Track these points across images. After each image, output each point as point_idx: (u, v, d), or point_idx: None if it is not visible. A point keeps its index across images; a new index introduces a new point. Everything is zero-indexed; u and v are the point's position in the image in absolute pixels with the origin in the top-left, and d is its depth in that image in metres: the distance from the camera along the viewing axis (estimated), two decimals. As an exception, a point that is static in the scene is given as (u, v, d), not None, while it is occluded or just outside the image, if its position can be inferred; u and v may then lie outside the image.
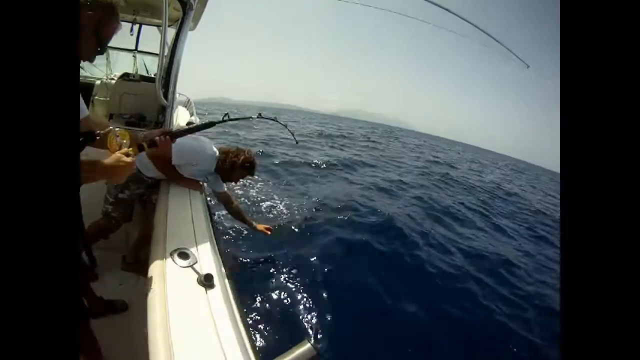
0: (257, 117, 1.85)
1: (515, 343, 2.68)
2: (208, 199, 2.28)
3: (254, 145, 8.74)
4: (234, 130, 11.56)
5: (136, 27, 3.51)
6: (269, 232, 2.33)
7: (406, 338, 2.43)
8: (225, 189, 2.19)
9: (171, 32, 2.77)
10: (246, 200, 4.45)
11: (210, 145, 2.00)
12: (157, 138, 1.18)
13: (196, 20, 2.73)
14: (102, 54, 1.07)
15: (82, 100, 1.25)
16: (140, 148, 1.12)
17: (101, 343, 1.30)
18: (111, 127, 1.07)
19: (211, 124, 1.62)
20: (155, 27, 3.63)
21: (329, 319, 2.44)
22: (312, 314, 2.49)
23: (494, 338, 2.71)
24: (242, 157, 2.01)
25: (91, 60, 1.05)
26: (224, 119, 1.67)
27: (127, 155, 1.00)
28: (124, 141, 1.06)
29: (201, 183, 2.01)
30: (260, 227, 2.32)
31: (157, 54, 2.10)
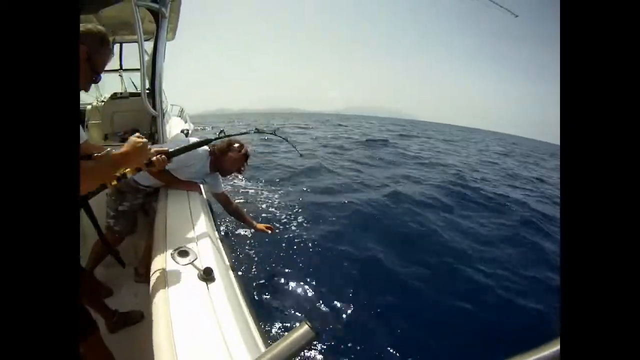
0: (255, 132, 1.74)
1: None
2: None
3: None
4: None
5: (117, 46, 3.49)
6: (270, 232, 2.29)
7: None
8: (224, 190, 2.16)
9: (151, 45, 2.72)
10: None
11: None
12: (154, 158, 1.20)
13: (173, 30, 2.70)
14: (97, 82, 1.09)
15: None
16: (138, 169, 1.13)
17: (122, 354, 1.32)
18: (108, 149, 1.10)
19: (208, 141, 1.58)
20: (136, 43, 3.59)
21: (329, 304, 2.45)
22: (313, 299, 2.51)
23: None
24: (233, 144, 1.96)
25: (87, 89, 1.08)
26: (220, 135, 1.60)
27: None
28: None
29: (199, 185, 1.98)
30: (261, 226, 2.27)
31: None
